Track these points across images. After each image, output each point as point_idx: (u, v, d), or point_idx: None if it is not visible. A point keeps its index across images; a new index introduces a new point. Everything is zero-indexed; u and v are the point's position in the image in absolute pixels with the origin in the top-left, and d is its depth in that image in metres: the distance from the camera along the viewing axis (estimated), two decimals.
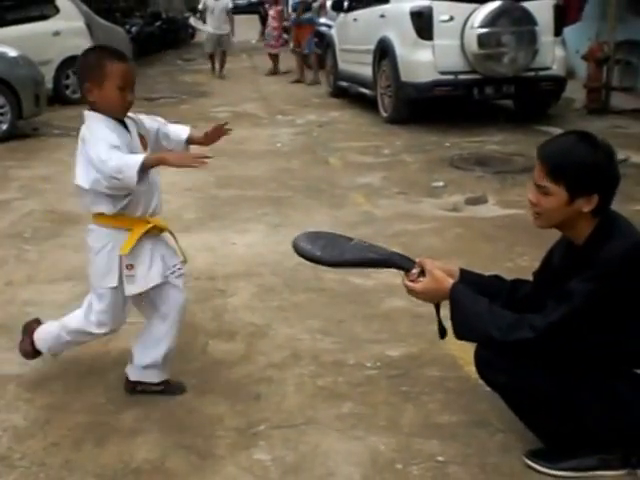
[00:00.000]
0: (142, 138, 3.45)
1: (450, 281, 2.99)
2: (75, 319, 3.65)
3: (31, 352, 3.82)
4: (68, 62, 14.07)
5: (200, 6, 19.66)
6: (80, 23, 14.46)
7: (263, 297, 4.83)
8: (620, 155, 7.79)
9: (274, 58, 19.01)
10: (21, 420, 3.47)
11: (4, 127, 10.54)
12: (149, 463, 3.12)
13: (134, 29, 22.70)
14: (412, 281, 3.03)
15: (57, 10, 14.28)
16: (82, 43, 14.15)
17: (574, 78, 12.46)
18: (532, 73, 10.18)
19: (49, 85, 13.04)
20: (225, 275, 5.22)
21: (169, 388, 3.66)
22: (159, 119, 3.63)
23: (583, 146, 2.75)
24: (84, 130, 3.31)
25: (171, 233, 3.64)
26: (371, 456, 3.12)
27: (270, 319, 4.48)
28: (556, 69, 10.40)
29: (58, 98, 13.81)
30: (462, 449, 3.14)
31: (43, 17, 14.22)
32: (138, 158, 3.13)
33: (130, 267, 3.40)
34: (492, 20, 9.78)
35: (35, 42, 12.98)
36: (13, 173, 8.62)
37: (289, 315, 4.54)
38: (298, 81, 16.82)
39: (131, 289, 3.45)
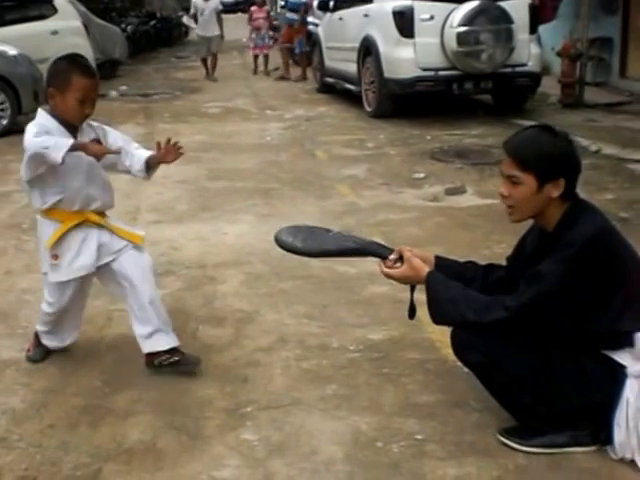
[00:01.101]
0: (98, 143, 3.50)
1: (426, 269, 3.01)
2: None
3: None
4: None
5: (192, 10, 17.65)
6: (77, 23, 14.35)
7: (251, 284, 4.82)
8: (592, 147, 7.83)
9: (265, 58, 17.77)
10: (19, 403, 3.46)
11: (4, 122, 10.49)
12: (141, 443, 3.12)
13: (129, 28, 22.51)
14: (389, 267, 3.06)
15: (55, 10, 14.14)
16: (79, 42, 14.17)
17: (550, 74, 12.48)
18: (509, 69, 10.17)
19: None
20: (215, 263, 5.20)
21: (185, 360, 3.65)
22: (126, 138, 3.66)
23: (545, 136, 2.84)
24: (27, 127, 3.40)
25: (111, 227, 3.59)
26: (353, 435, 3.13)
27: (258, 305, 4.47)
28: (532, 65, 10.39)
29: None
30: (440, 428, 3.15)
31: (41, 17, 14.07)
32: (69, 139, 3.26)
33: (55, 257, 3.50)
34: (470, 19, 9.77)
35: (34, 41, 12.84)
36: (13, 166, 8.53)
37: (276, 301, 4.53)
38: (283, 78, 16.53)
39: (54, 277, 3.55)
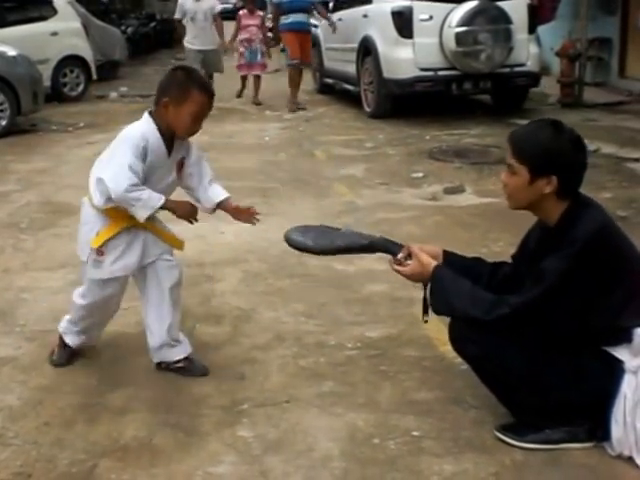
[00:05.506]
0: (181, 162, 3.49)
1: (434, 263, 3.00)
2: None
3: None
4: (65, 61, 14.03)
5: (177, 15, 12.88)
6: (77, 24, 14.39)
7: (249, 282, 4.81)
8: (591, 146, 7.81)
9: (257, 81, 13.50)
10: (15, 400, 3.45)
11: (3, 123, 10.45)
12: (137, 440, 3.10)
13: (130, 30, 22.52)
14: (400, 264, 3.05)
15: (55, 11, 14.16)
16: (79, 43, 14.23)
17: (549, 74, 12.47)
18: (507, 69, 10.17)
19: (47, 83, 12.98)
20: (213, 262, 5.19)
21: (190, 366, 3.64)
22: (204, 168, 3.61)
23: (548, 131, 2.81)
24: (130, 127, 3.37)
25: (157, 230, 3.58)
26: (350, 432, 3.11)
27: (255, 303, 4.46)
28: (530, 65, 10.39)
29: (55, 95, 13.70)
30: (437, 424, 3.13)
31: (41, 18, 14.08)
32: (161, 199, 3.26)
33: (100, 253, 3.42)
34: (469, 19, 9.77)
35: (34, 42, 12.87)
36: (12, 167, 8.56)
37: (274, 299, 4.52)
38: (297, 108, 12.26)
39: (96, 273, 3.47)
